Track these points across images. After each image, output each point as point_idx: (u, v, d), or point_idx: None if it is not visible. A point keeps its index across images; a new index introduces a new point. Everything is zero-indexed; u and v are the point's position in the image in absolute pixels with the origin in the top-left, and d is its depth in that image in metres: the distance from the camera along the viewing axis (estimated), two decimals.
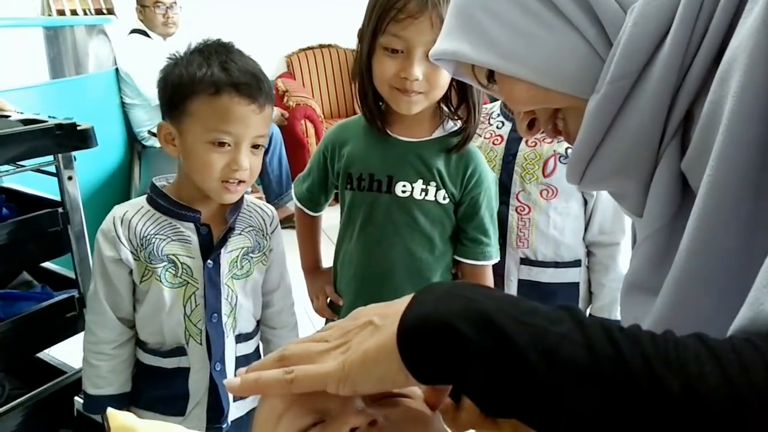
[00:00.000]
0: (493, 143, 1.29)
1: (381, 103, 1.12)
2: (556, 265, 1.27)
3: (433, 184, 1.12)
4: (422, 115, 1.10)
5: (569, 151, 0.59)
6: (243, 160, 0.97)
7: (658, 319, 0.46)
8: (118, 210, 1.04)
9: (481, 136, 1.30)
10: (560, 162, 1.22)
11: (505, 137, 1.28)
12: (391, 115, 1.12)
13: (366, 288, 1.17)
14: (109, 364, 1.05)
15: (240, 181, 0.99)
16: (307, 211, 1.27)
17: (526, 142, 1.24)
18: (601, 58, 0.50)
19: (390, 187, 1.12)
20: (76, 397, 1.37)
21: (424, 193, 1.12)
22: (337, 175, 1.18)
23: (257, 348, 1.16)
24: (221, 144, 0.96)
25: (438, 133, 1.13)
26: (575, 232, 1.26)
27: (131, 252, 1.01)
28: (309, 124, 3.40)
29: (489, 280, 1.20)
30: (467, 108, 1.10)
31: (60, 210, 1.20)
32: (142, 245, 1.01)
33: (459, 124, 1.12)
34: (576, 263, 1.28)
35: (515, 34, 0.52)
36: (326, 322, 1.27)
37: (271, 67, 4.06)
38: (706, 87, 0.44)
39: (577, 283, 1.30)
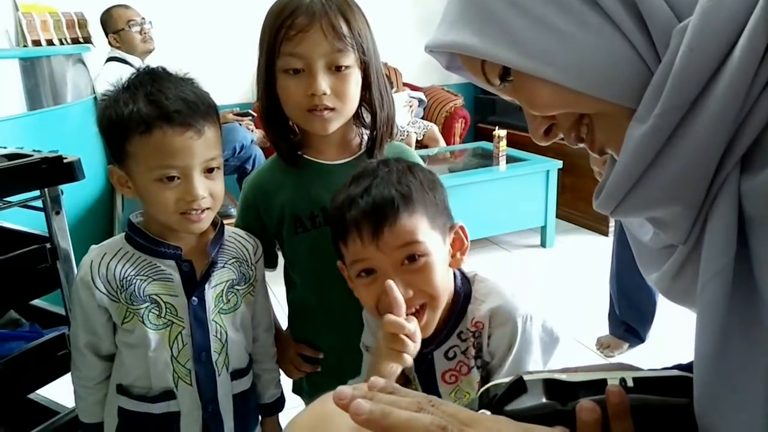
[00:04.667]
0: None
1: (296, 135, 1.08)
2: None
3: None
4: (344, 133, 1.07)
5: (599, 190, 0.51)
6: (197, 190, 0.92)
7: None
8: (94, 252, 1.00)
9: None
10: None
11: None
12: (313, 143, 1.07)
13: (351, 325, 1.08)
14: (95, 397, 1.05)
15: (204, 209, 0.95)
16: None
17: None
18: (646, 65, 0.45)
19: None
20: None
21: None
22: (277, 227, 1.10)
23: (253, 383, 1.13)
24: (170, 179, 0.92)
25: (365, 143, 1.10)
26: None
27: (107, 295, 0.97)
28: None
29: None
30: (372, 115, 1.07)
31: (48, 245, 1.17)
32: (122, 287, 0.97)
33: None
34: None
35: (544, 30, 0.47)
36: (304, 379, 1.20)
37: (251, 90, 4.05)
38: None
39: None
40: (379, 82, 1.05)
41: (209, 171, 0.95)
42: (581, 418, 0.47)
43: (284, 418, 1.11)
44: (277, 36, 0.96)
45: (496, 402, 0.52)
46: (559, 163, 3.14)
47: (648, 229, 0.56)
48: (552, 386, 0.51)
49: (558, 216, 3.34)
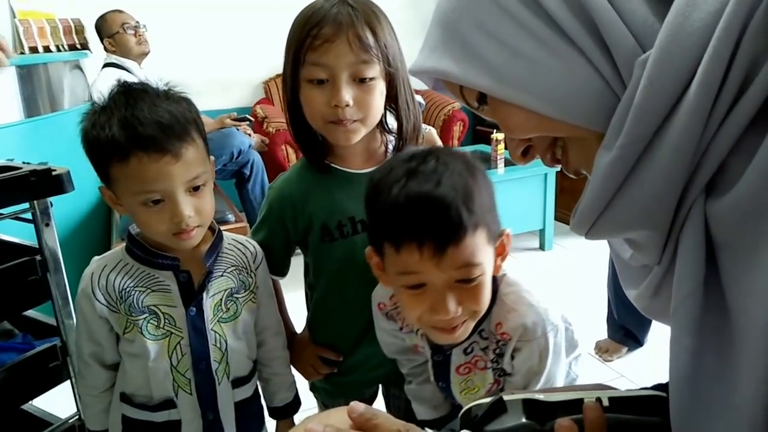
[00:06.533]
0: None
1: (322, 142, 1.07)
2: None
3: None
4: (369, 142, 1.06)
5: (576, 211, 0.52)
6: (183, 211, 0.91)
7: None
8: (95, 264, 1.00)
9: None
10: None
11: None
12: (337, 152, 1.07)
13: (371, 330, 1.10)
14: (100, 406, 1.06)
15: (193, 227, 0.94)
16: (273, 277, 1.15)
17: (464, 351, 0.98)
18: (614, 92, 0.46)
19: None
20: None
21: None
22: (303, 235, 1.10)
23: (256, 390, 1.12)
24: (155, 202, 0.90)
25: (391, 152, 1.09)
26: None
27: (107, 306, 0.97)
28: (290, 149, 3.39)
29: None
30: (398, 125, 1.06)
31: (38, 258, 1.17)
32: (121, 298, 0.97)
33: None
34: None
35: (517, 59, 0.48)
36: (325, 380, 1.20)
37: (249, 94, 4.05)
38: (747, 137, 0.41)
39: None
40: (406, 92, 1.05)
41: (195, 189, 0.93)
42: None
43: (299, 418, 1.10)
44: (302, 45, 0.95)
45: (477, 421, 0.53)
46: (557, 166, 3.13)
47: (628, 248, 0.57)
48: (531, 406, 0.52)
49: (557, 219, 3.33)
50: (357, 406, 0.45)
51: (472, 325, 0.86)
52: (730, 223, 0.43)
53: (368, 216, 0.89)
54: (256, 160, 3.30)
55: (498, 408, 0.53)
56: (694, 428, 0.45)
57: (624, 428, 0.50)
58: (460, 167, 0.81)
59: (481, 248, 0.80)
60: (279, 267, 1.14)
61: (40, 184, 1.10)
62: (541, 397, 0.53)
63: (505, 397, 0.53)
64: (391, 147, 1.10)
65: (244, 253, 1.07)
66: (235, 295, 1.04)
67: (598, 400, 0.51)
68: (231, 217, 2.60)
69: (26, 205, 1.15)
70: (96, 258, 1.02)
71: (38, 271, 1.16)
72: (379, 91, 0.99)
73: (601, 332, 2.32)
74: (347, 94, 0.95)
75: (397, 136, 1.08)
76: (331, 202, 1.07)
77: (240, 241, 1.08)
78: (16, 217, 1.17)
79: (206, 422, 1.03)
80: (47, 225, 1.16)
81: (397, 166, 0.82)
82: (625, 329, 2.23)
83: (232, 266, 1.05)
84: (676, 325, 0.45)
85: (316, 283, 1.15)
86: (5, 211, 1.18)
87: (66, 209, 1.11)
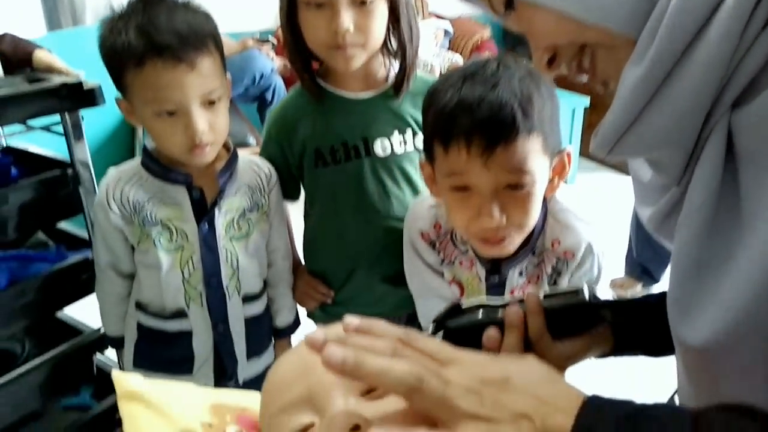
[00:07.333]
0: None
1: (320, 64, 1.05)
2: None
3: (410, 131, 1.07)
4: (369, 65, 1.03)
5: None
6: (197, 124, 0.91)
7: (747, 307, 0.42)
8: (111, 175, 1.01)
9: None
10: None
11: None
12: (336, 75, 1.04)
13: (367, 257, 1.11)
14: (117, 312, 1.10)
15: (207, 143, 0.94)
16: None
17: None
18: None
19: (368, 150, 1.06)
20: (96, 355, 1.39)
21: (403, 145, 1.07)
22: (299, 159, 1.09)
23: (267, 308, 1.15)
24: (169, 113, 0.90)
25: (392, 78, 1.06)
26: None
27: (122, 217, 0.99)
28: None
29: None
30: (401, 50, 1.03)
31: (70, 171, 1.18)
32: (135, 210, 0.99)
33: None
34: None
35: None
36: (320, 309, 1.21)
37: (272, 17, 3.95)
38: None
39: None
40: (409, 14, 1.02)
41: (210, 104, 0.93)
42: (508, 317, 0.57)
43: (297, 340, 1.14)
44: None
45: (437, 322, 0.58)
46: (586, 101, 3.06)
47: (647, 169, 0.57)
48: (486, 308, 0.59)
49: (582, 154, 3.29)
50: (352, 319, 0.46)
51: (519, 240, 0.85)
52: (755, 131, 0.42)
53: (423, 123, 0.87)
54: (279, 85, 3.25)
55: (456, 311, 0.59)
56: (695, 298, 0.46)
57: (555, 311, 0.58)
58: (523, 73, 0.78)
59: (534, 156, 0.77)
60: (287, 189, 1.14)
61: (71, 97, 1.10)
62: (494, 302, 0.59)
63: (463, 305, 0.59)
64: (391, 69, 1.07)
65: (258, 174, 1.07)
66: (248, 215, 1.05)
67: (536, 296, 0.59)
68: (252, 140, 2.60)
69: (57, 119, 1.16)
70: (112, 169, 1.02)
71: (70, 184, 1.17)
72: (380, 14, 0.96)
73: (619, 269, 2.33)
74: (347, 19, 0.92)
75: (401, 60, 1.05)
76: (324, 126, 1.06)
77: (255, 162, 1.08)
78: (47, 129, 1.18)
79: (216, 334, 1.07)
80: (78, 138, 1.16)
81: (455, 73, 0.79)
82: (643, 266, 2.24)
83: (246, 186, 1.05)
84: (683, 233, 0.47)
85: (310, 209, 1.15)
86: (37, 123, 1.18)
87: (89, 127, 1.13)
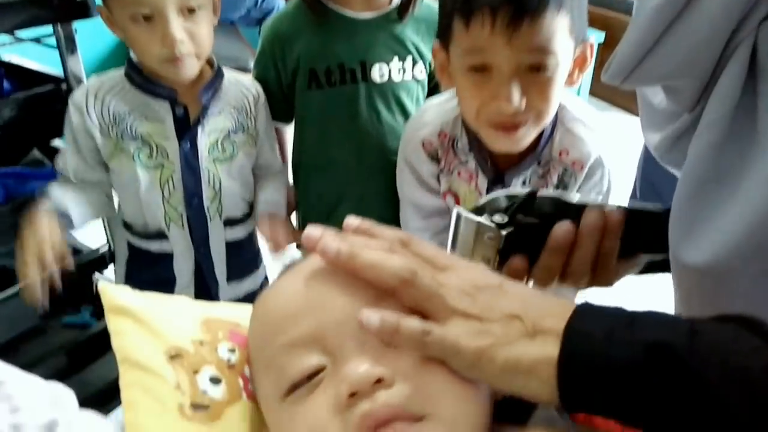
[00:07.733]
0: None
1: None
2: None
3: (410, 59, 1.03)
4: None
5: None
6: (173, 32, 0.87)
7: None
8: (92, 82, 0.98)
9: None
10: None
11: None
12: None
13: (357, 187, 1.09)
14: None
15: (186, 54, 0.90)
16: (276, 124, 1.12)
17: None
18: None
19: (365, 74, 1.02)
20: (95, 275, 1.39)
21: (402, 73, 1.03)
22: (291, 77, 1.05)
23: (251, 235, 1.13)
24: (145, 18, 0.86)
25: (395, 1, 1.01)
26: None
27: (99, 127, 0.96)
28: None
29: None
30: None
31: (63, 86, 1.15)
32: (114, 122, 0.96)
33: None
34: None
35: None
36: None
37: None
38: None
39: None
40: None
41: (190, 11, 0.89)
42: (587, 224, 0.51)
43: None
44: None
45: (513, 210, 0.53)
46: (601, 36, 2.96)
47: (658, 92, 0.55)
48: (559, 203, 0.54)
49: (593, 93, 3.21)
50: (353, 220, 0.45)
51: (534, 132, 0.81)
52: None
53: (440, 2, 0.82)
54: (281, 8, 3.15)
55: (530, 201, 0.53)
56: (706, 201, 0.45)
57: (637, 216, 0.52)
58: None
59: (560, 37, 0.73)
60: (278, 111, 1.10)
61: (64, 7, 1.05)
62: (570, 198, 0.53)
63: (539, 193, 0.53)
64: None
65: (245, 95, 1.04)
66: (233, 137, 1.02)
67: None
68: (252, 63, 2.53)
69: (49, 30, 1.11)
70: (94, 76, 0.99)
71: (65, 99, 1.14)
72: None
73: None
74: None
75: None
76: (321, 44, 1.02)
77: (242, 82, 1.04)
78: (38, 40, 1.14)
79: (198, 255, 1.06)
80: (72, 52, 1.12)
81: None
82: None
83: (230, 106, 1.02)
84: (698, 145, 0.45)
85: (301, 133, 1.12)
86: (27, 35, 1.14)
87: (84, 47, 1.09)
